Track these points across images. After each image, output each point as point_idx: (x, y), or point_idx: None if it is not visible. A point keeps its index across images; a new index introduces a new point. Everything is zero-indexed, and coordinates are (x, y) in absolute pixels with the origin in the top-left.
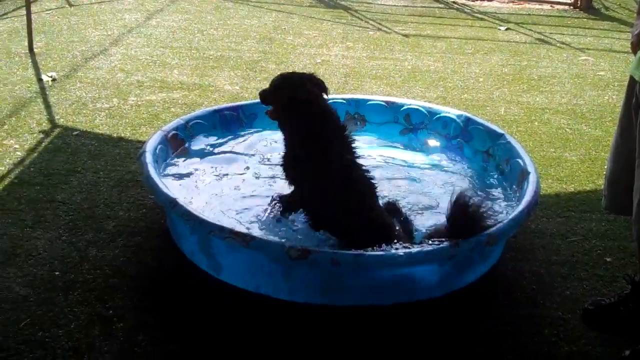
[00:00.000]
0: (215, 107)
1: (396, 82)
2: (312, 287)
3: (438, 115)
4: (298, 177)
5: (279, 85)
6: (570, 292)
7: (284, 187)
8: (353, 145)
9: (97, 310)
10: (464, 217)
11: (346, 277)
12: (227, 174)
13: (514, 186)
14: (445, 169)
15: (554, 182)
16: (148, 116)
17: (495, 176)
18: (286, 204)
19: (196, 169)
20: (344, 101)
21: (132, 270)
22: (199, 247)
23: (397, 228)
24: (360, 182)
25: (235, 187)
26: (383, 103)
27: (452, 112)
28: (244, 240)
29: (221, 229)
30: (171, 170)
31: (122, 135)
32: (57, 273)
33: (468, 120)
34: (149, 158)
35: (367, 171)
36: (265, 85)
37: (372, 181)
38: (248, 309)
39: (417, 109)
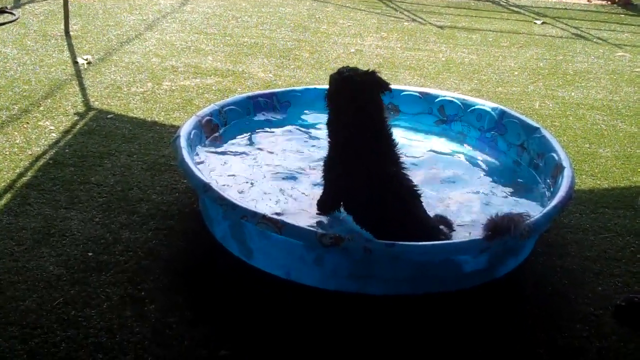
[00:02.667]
0: (249, 94)
1: (430, 74)
2: (344, 274)
3: (472, 108)
4: (337, 180)
5: (340, 89)
6: (602, 289)
7: (317, 179)
8: (400, 158)
9: (129, 291)
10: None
11: (377, 266)
12: (260, 162)
13: (548, 180)
14: (479, 162)
15: (588, 178)
16: (182, 101)
17: (529, 170)
18: (322, 205)
19: (229, 155)
20: None
21: (164, 253)
22: (230, 233)
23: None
24: (404, 190)
25: (268, 176)
26: (417, 94)
27: (487, 104)
28: (277, 226)
29: (254, 214)
30: (204, 155)
31: (156, 119)
32: (90, 254)
33: (503, 113)
34: (183, 142)
35: (413, 183)
36: (299, 73)
37: (417, 191)
38: (278, 295)
39: (451, 101)
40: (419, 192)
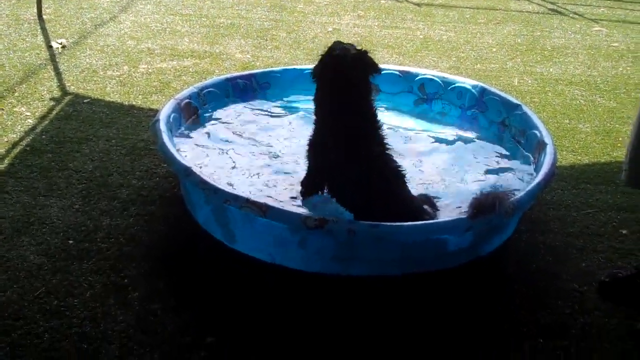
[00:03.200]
0: (228, 76)
1: (408, 52)
2: (327, 256)
3: (453, 86)
4: (321, 160)
5: (327, 64)
6: (585, 265)
7: (297, 161)
8: (384, 139)
9: (112, 279)
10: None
11: (361, 247)
12: (240, 144)
13: (530, 157)
14: (461, 140)
15: (569, 154)
16: (159, 84)
17: (511, 147)
18: (305, 186)
19: (209, 138)
20: None
21: (145, 239)
22: (213, 217)
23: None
24: (388, 170)
25: (248, 159)
26: (397, 72)
27: (467, 82)
28: (261, 209)
29: (237, 197)
30: (184, 139)
31: (134, 103)
32: (71, 242)
33: (483, 90)
34: (162, 126)
35: (397, 163)
36: (277, 54)
37: (402, 171)
38: (262, 278)
39: (431, 79)
40: (403, 172)
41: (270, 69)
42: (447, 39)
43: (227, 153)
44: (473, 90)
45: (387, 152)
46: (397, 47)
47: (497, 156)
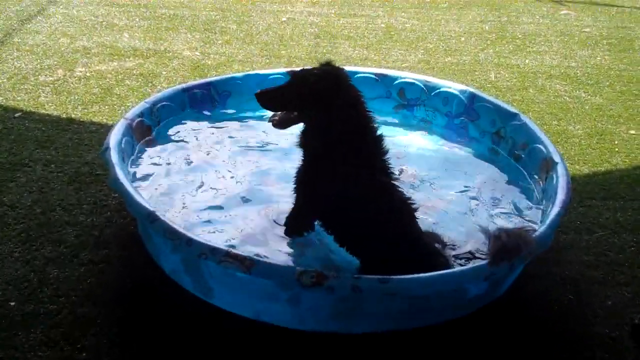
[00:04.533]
0: (183, 85)
1: (372, 44)
2: (324, 314)
3: (437, 90)
4: (316, 194)
5: (312, 86)
6: (612, 302)
7: (276, 185)
8: (390, 166)
9: (67, 353)
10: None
11: (367, 303)
12: (204, 170)
13: (535, 176)
14: (450, 154)
15: (566, 163)
16: (100, 91)
17: (510, 161)
18: (295, 222)
19: (167, 163)
20: None
21: (103, 295)
22: (183, 267)
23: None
24: (398, 204)
25: (216, 187)
26: (373, 76)
27: (453, 86)
28: (244, 264)
29: (214, 250)
30: (138, 167)
31: (72, 115)
32: (12, 303)
33: (473, 96)
34: (114, 157)
35: (406, 195)
36: (230, 49)
37: (413, 205)
38: (246, 336)
39: (412, 83)
40: (414, 206)
41: (231, 75)
42: (411, 28)
43: (189, 179)
44: (461, 96)
45: (394, 181)
46: (359, 38)
47: (494, 173)
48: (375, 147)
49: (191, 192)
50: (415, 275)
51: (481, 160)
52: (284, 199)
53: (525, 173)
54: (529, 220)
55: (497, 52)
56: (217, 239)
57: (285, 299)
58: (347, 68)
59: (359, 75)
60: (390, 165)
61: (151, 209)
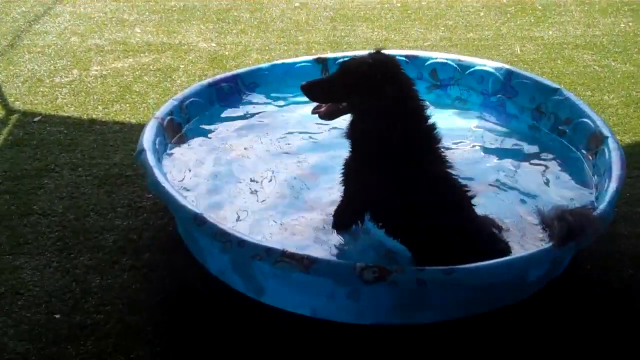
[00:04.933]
0: (210, 80)
1: (390, 24)
2: (385, 307)
3: (472, 69)
4: (368, 186)
5: (363, 74)
6: None
7: (317, 179)
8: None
9: None
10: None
11: (431, 294)
12: (241, 166)
13: (583, 151)
14: (489, 132)
15: None
16: (118, 89)
17: (554, 138)
18: (344, 215)
19: (202, 162)
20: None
21: (149, 301)
22: (232, 267)
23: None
24: (456, 193)
25: (255, 183)
26: (403, 58)
27: (488, 64)
28: (302, 264)
29: (270, 251)
30: (172, 166)
31: (93, 116)
32: (57, 316)
33: (510, 73)
34: (151, 159)
35: (463, 183)
36: (245, 39)
37: (468, 193)
38: (302, 334)
39: (444, 63)
40: (471, 195)
41: (257, 66)
42: (428, 5)
43: (225, 178)
44: (497, 74)
45: (449, 169)
46: (376, 19)
47: (539, 150)
48: (427, 135)
49: (231, 191)
50: (480, 264)
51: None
52: (328, 192)
53: (573, 148)
54: (581, 197)
55: (518, 25)
56: (265, 239)
57: (345, 295)
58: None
59: None
60: (443, 154)
61: (197, 211)
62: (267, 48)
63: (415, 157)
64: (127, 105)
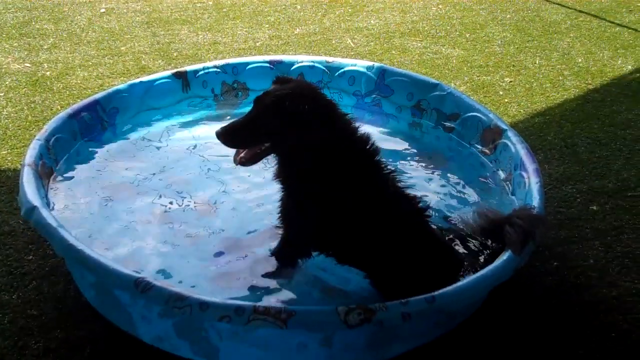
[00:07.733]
0: (69, 111)
1: (211, 25)
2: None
3: (341, 71)
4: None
5: (289, 109)
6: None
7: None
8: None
9: None
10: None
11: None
12: (129, 205)
13: (478, 146)
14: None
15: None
16: None
17: (439, 134)
18: (289, 253)
19: (90, 211)
20: (217, 69)
21: None
22: (175, 331)
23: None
24: (411, 211)
25: (148, 223)
26: (267, 64)
27: (359, 64)
28: (279, 319)
29: (237, 309)
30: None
31: None
32: None
33: (383, 72)
34: (47, 216)
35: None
36: (62, 54)
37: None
38: None
39: (312, 66)
40: (421, 205)
41: (114, 88)
42: (241, 2)
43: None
44: (369, 73)
45: (394, 183)
46: (195, 20)
47: (424, 149)
48: (364, 152)
49: (123, 235)
50: (456, 286)
51: (404, 137)
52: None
53: (465, 143)
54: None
55: (338, 16)
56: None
57: (317, 343)
58: (236, 60)
59: (251, 66)
60: (385, 165)
61: (137, 275)
62: (90, 63)
63: (359, 182)
64: None
